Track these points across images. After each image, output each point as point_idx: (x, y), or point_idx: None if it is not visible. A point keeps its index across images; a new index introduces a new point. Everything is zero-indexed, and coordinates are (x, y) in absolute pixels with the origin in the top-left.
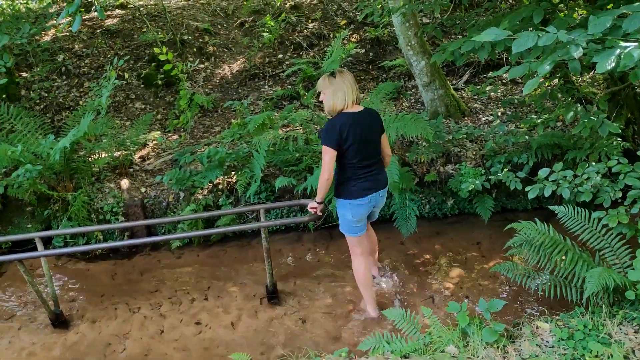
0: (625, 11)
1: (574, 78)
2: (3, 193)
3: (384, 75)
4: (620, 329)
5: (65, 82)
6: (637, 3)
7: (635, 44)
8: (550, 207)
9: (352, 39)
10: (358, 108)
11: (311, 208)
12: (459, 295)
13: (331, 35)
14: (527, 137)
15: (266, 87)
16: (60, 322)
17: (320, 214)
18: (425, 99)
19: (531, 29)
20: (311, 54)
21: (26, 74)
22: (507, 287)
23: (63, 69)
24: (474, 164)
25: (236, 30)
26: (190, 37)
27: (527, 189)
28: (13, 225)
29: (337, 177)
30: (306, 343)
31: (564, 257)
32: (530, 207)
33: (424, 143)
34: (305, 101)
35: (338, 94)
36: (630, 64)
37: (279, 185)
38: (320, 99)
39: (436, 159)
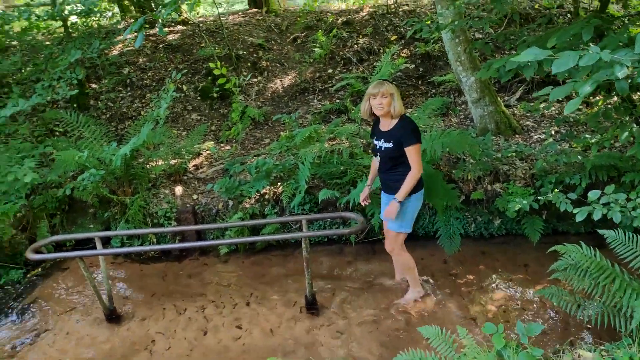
0: None
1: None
2: (69, 195)
3: (433, 91)
4: None
5: (129, 93)
6: None
7: None
8: (600, 231)
9: (402, 54)
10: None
11: (391, 213)
12: (500, 318)
13: (381, 51)
14: (579, 157)
15: (315, 101)
16: (113, 317)
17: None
18: (474, 115)
19: (582, 47)
20: (360, 69)
21: (95, 86)
22: (552, 313)
23: (128, 81)
24: (523, 183)
25: (289, 46)
26: (245, 52)
27: (574, 211)
28: (77, 225)
29: (405, 174)
30: (341, 355)
31: (612, 285)
32: (583, 230)
33: (471, 160)
34: (352, 115)
35: (400, 99)
36: None
37: (323, 197)
38: (377, 104)
39: (483, 176)
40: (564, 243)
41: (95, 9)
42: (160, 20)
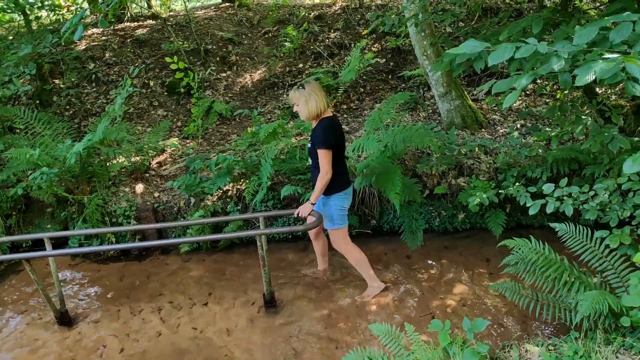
0: (613, 21)
1: (598, 90)
2: (26, 194)
3: (403, 85)
4: (617, 357)
5: (94, 89)
6: (626, 13)
7: (616, 55)
8: (551, 225)
9: (374, 49)
10: (330, 112)
11: (302, 212)
12: (459, 313)
13: (352, 45)
14: (540, 150)
15: (284, 96)
16: (65, 320)
17: (311, 217)
18: (441, 109)
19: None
20: (331, 64)
21: (58, 81)
22: (512, 307)
23: (93, 76)
24: (487, 177)
25: (260, 40)
26: (214, 47)
27: (527, 204)
28: (34, 225)
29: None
30: (297, 354)
31: (559, 278)
32: (547, 223)
33: (436, 155)
34: None
35: (311, 102)
36: (605, 77)
37: (285, 194)
38: (295, 109)
39: (448, 171)
40: (513, 237)
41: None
42: (102, 14)
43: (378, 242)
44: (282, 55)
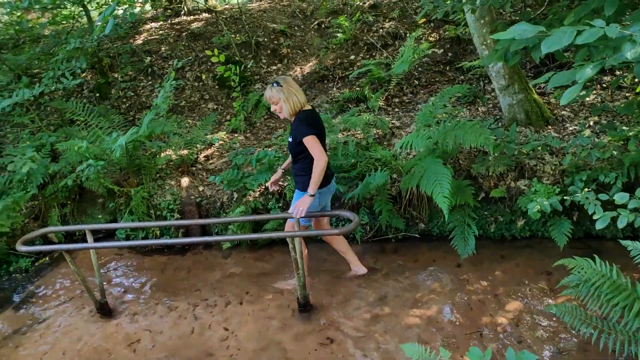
0: None
1: None
2: (80, 185)
3: (462, 78)
4: None
5: (149, 82)
6: None
7: None
8: (623, 243)
9: (431, 38)
10: (309, 106)
11: (301, 207)
12: (510, 334)
13: (408, 35)
14: (615, 152)
15: (334, 89)
16: (105, 311)
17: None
18: (502, 104)
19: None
20: (384, 55)
21: (117, 75)
22: (572, 334)
23: (149, 70)
24: (552, 180)
25: (312, 32)
26: (265, 39)
27: (595, 216)
28: (86, 214)
29: (305, 170)
30: None
31: (629, 307)
32: (622, 235)
33: (495, 154)
34: (370, 104)
35: (291, 98)
36: None
37: None
38: (273, 110)
39: (506, 172)
40: (574, 256)
41: None
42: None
43: (426, 247)
44: (333, 46)
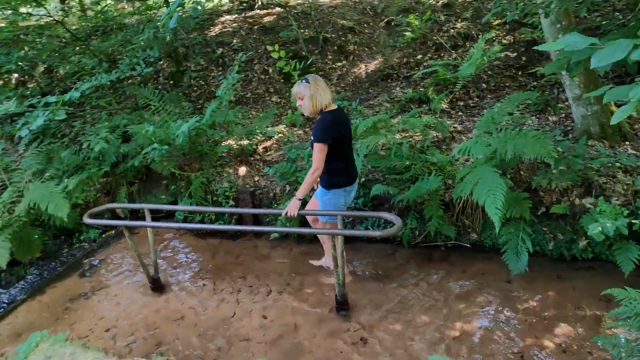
0: None
1: None
2: (147, 166)
3: (534, 84)
4: None
5: (220, 72)
6: None
7: None
8: None
9: (504, 41)
10: (334, 106)
11: (290, 211)
12: (554, 359)
13: (479, 36)
14: None
15: (397, 88)
16: (157, 286)
17: (295, 214)
18: (575, 114)
19: None
20: (453, 56)
21: (192, 64)
22: None
23: (220, 60)
24: (622, 201)
25: (381, 29)
26: (333, 35)
27: None
28: (151, 194)
29: (328, 170)
30: None
31: None
32: None
33: (561, 167)
34: (433, 106)
35: (316, 97)
36: None
37: (374, 193)
38: (297, 106)
39: (572, 188)
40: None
41: None
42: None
43: (476, 258)
44: (400, 45)
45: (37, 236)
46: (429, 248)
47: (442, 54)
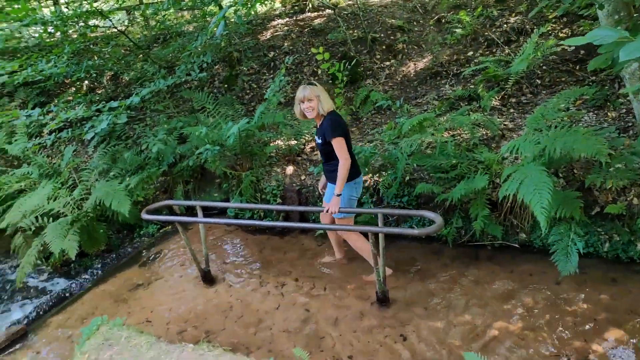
0: None
1: None
2: (202, 166)
3: (593, 78)
4: None
5: (271, 75)
6: None
7: None
8: None
9: (561, 34)
10: (334, 107)
11: (332, 208)
12: None
13: (534, 31)
14: None
15: (447, 86)
16: (207, 279)
17: (337, 211)
18: (636, 110)
19: None
20: (506, 52)
21: (245, 68)
22: None
23: (271, 64)
24: None
25: (431, 27)
26: (381, 35)
27: None
28: (205, 192)
29: (335, 166)
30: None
31: None
32: None
33: (618, 165)
34: (482, 103)
35: (326, 97)
36: None
37: (418, 192)
38: (305, 108)
39: (630, 187)
40: None
41: None
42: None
43: (525, 259)
44: (450, 42)
45: (102, 230)
46: (475, 248)
47: (494, 50)
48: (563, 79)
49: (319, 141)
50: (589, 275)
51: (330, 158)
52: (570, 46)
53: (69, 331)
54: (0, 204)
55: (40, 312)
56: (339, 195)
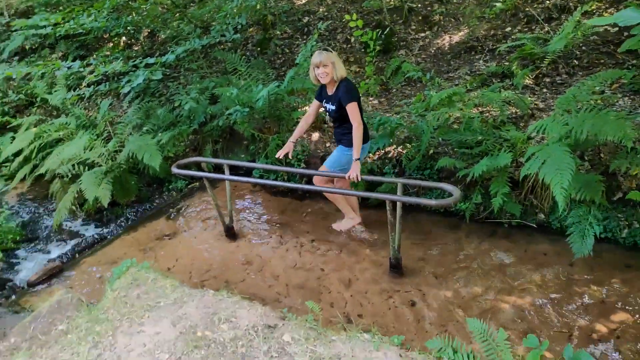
0: None
1: None
2: (231, 126)
3: (634, 62)
4: None
5: (303, 41)
6: None
7: None
8: None
9: (606, 14)
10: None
11: (354, 174)
12: (607, 343)
13: (577, 9)
14: None
15: (481, 62)
16: (230, 234)
17: (359, 177)
18: None
19: None
20: (545, 29)
21: (278, 32)
22: None
23: (305, 29)
24: None
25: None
26: (419, 5)
27: None
28: (233, 152)
29: (350, 129)
30: (396, 323)
31: None
32: None
33: None
34: (515, 81)
35: (341, 64)
36: None
37: (440, 165)
38: (319, 73)
39: None
40: None
41: None
42: None
43: (541, 239)
44: (489, 16)
45: (133, 182)
46: (492, 225)
47: (534, 27)
48: (602, 60)
49: (332, 107)
50: (604, 259)
51: (343, 122)
52: (613, 26)
53: (99, 271)
54: (40, 150)
55: (75, 253)
56: (357, 159)
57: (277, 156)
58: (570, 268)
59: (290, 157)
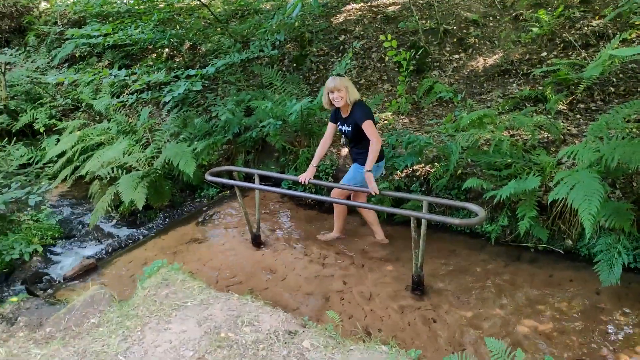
0: None
1: None
2: (263, 138)
3: None
4: None
5: (338, 59)
6: None
7: None
8: None
9: None
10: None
11: (373, 189)
12: None
13: (615, 36)
14: None
15: (514, 85)
16: (257, 242)
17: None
18: None
19: None
20: (582, 56)
21: (314, 49)
22: None
23: (341, 47)
24: None
25: (507, 23)
26: (454, 27)
27: None
28: (264, 163)
29: (367, 147)
30: (414, 339)
31: None
32: None
33: None
34: (548, 106)
35: (354, 88)
36: None
37: (467, 186)
38: (334, 97)
39: None
40: None
41: None
42: None
43: (567, 265)
44: (524, 41)
45: (167, 187)
46: (518, 248)
47: (570, 53)
48: (638, 88)
49: (349, 128)
50: (632, 290)
51: (358, 142)
52: None
53: (131, 270)
54: (82, 153)
55: (109, 252)
56: (369, 171)
57: (300, 181)
58: (596, 297)
59: (312, 180)
